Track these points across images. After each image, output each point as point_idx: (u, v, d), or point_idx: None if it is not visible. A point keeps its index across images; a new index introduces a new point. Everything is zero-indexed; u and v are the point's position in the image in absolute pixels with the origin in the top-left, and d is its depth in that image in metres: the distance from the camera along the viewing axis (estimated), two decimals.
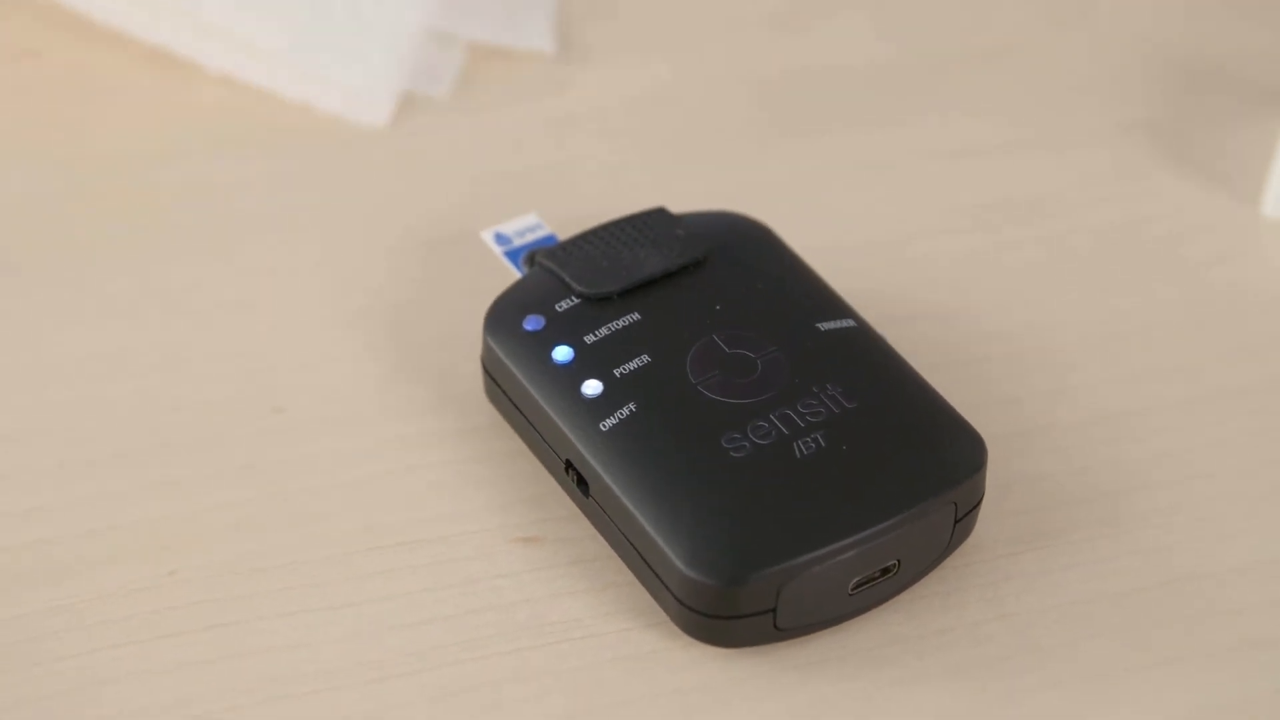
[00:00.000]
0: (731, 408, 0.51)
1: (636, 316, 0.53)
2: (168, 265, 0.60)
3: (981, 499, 0.51)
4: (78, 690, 0.49)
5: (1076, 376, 0.57)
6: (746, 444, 0.50)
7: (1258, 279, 0.60)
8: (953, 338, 0.57)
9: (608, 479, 0.50)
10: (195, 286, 0.59)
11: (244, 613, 0.50)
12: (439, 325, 0.57)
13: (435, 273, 0.59)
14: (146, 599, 0.51)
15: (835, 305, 0.54)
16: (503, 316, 0.53)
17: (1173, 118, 0.65)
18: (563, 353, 0.52)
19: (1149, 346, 0.58)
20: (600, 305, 0.53)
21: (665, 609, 0.50)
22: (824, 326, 0.53)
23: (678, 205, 0.58)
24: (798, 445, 0.50)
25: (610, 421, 0.51)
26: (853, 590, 0.49)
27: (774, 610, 0.48)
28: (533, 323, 0.53)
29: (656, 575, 0.49)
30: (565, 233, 0.57)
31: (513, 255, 0.57)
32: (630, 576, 0.51)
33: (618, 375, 0.51)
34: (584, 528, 0.52)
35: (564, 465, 0.51)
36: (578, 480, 0.51)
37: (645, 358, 0.52)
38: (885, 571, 0.50)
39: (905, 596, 0.51)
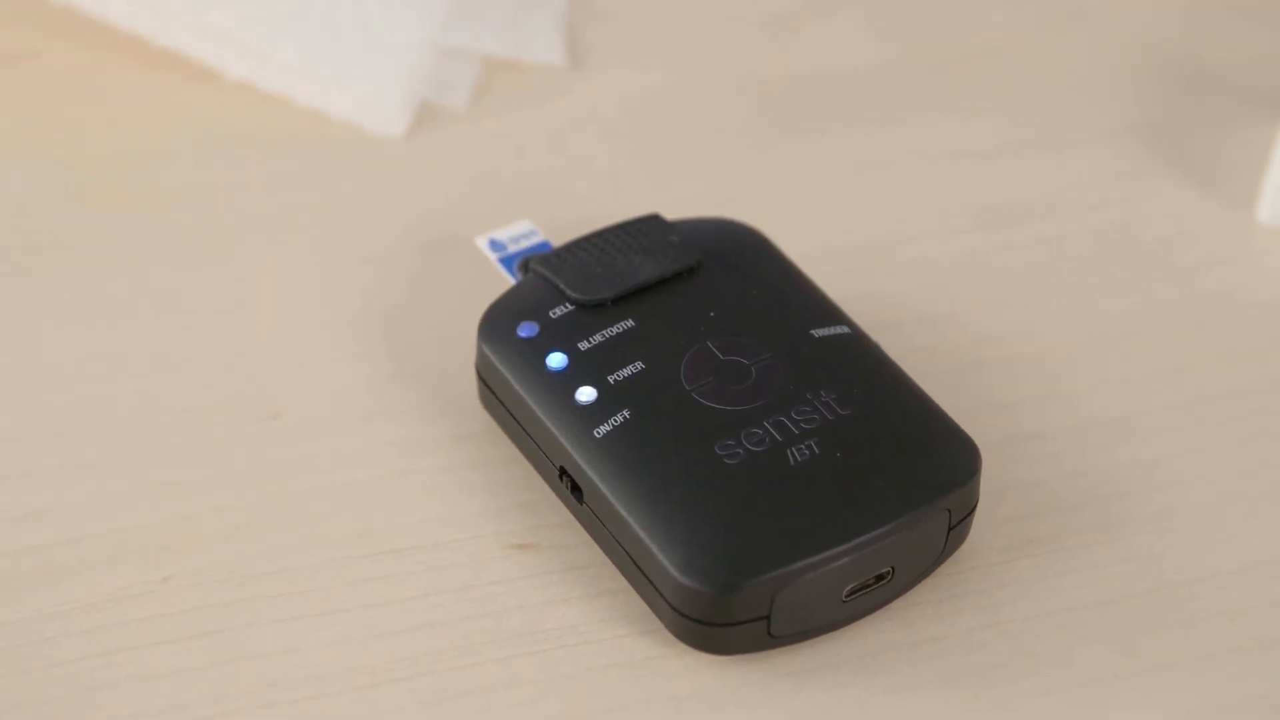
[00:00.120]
0: (725, 414, 0.51)
1: (631, 323, 0.53)
2: (166, 267, 0.60)
3: (975, 506, 0.51)
4: (73, 695, 0.49)
5: (1070, 381, 0.57)
6: (740, 451, 0.50)
7: (1251, 283, 0.60)
8: (946, 343, 0.57)
9: (601, 486, 0.50)
10: (193, 289, 0.59)
11: (238, 618, 0.50)
12: (434, 331, 0.57)
13: (430, 279, 0.59)
14: (142, 604, 0.51)
15: (829, 312, 0.54)
16: (497, 323, 0.53)
17: (1169, 120, 0.65)
18: (557, 359, 0.52)
19: (1143, 351, 0.58)
20: (594, 312, 0.53)
21: (659, 616, 0.50)
22: (818, 333, 0.53)
23: (673, 210, 0.58)
24: (792, 452, 0.50)
25: (604, 428, 0.51)
26: (847, 597, 0.49)
27: (768, 617, 0.48)
28: (527, 329, 0.53)
29: (650, 582, 0.49)
30: (560, 239, 0.57)
31: (507, 262, 0.57)
32: (624, 583, 0.51)
33: (612, 382, 0.51)
34: (578, 534, 0.52)
35: (558, 472, 0.51)
36: (572, 487, 0.51)
37: (639, 364, 0.52)
38: (879, 578, 0.50)
39: (899, 603, 0.51)
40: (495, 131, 0.65)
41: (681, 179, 0.63)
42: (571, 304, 0.53)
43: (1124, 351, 0.58)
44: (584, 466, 0.50)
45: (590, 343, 0.52)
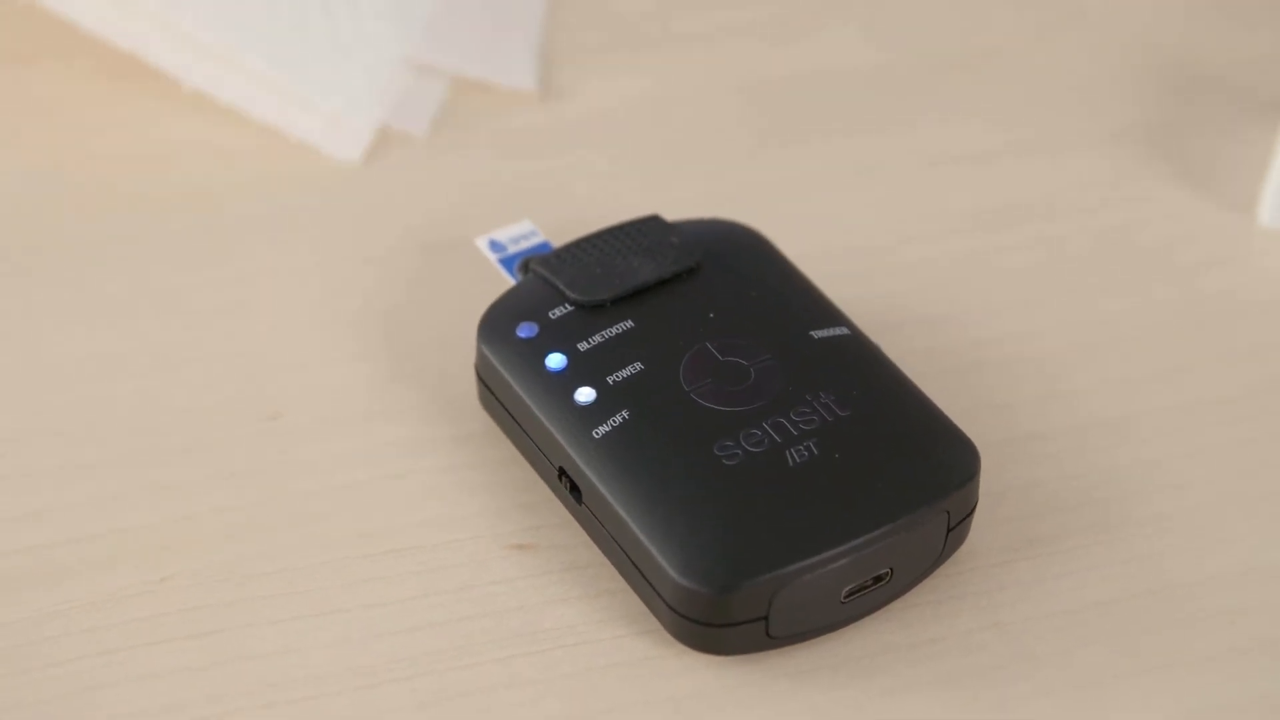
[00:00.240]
0: (724, 415, 0.51)
1: (630, 324, 0.53)
2: (166, 267, 0.60)
3: (975, 507, 0.51)
4: (73, 695, 0.49)
5: (1069, 383, 0.57)
6: (739, 452, 0.50)
7: (1251, 285, 0.60)
8: (945, 344, 0.57)
9: (600, 486, 0.50)
10: (193, 289, 0.59)
11: (237, 618, 0.50)
12: (433, 331, 0.58)
13: (430, 279, 0.59)
14: (141, 604, 0.51)
15: (829, 313, 0.54)
16: (496, 324, 0.53)
17: (1167, 123, 0.65)
18: (556, 360, 0.52)
19: (1143, 352, 0.58)
20: (594, 313, 0.53)
21: (658, 616, 0.50)
22: (817, 334, 0.53)
23: (673, 212, 0.58)
24: (790, 453, 0.50)
25: (603, 429, 0.51)
26: (845, 598, 0.49)
27: (766, 618, 0.48)
28: (526, 330, 0.53)
29: (649, 582, 0.49)
30: (560, 240, 0.57)
31: (507, 262, 0.57)
32: (623, 583, 0.51)
33: (611, 383, 0.51)
34: (577, 535, 0.52)
35: (557, 472, 0.51)
36: (570, 487, 0.51)
37: (638, 365, 0.52)
38: (878, 580, 0.50)
39: (898, 605, 0.51)
40: (496, 131, 0.65)
41: (682, 180, 0.63)
42: (571, 304, 0.53)
43: (1124, 353, 0.58)
44: (583, 467, 0.50)
45: (589, 343, 0.52)
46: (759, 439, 0.50)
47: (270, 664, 0.50)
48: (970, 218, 0.62)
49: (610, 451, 0.50)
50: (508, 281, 0.56)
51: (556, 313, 0.53)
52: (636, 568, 0.49)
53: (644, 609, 0.50)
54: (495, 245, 0.57)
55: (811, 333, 0.53)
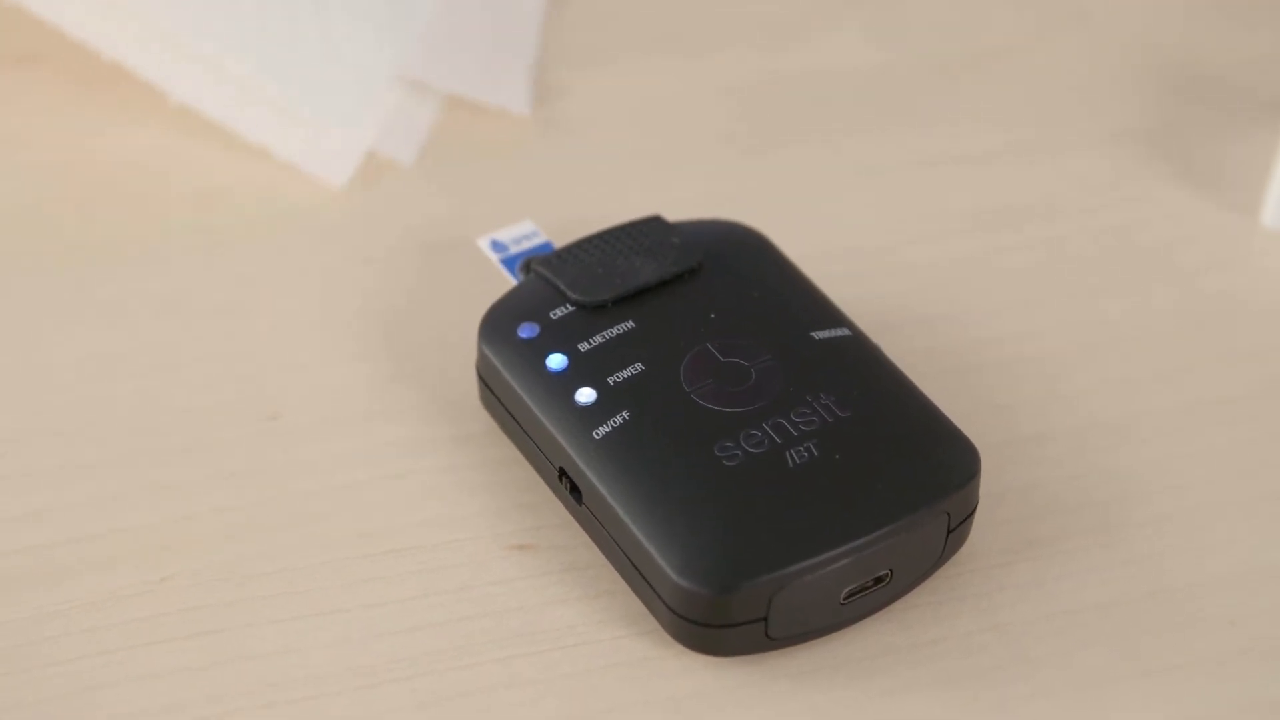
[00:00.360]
0: (725, 416, 0.51)
1: (631, 325, 0.53)
2: (165, 268, 0.60)
3: (975, 509, 0.51)
4: (72, 694, 0.49)
5: (1070, 384, 0.57)
6: (739, 452, 0.50)
7: (1251, 286, 0.60)
8: (946, 345, 0.57)
9: (600, 487, 0.50)
10: (192, 291, 0.59)
11: (237, 618, 0.50)
12: (435, 331, 0.58)
13: (431, 279, 0.59)
14: (141, 604, 0.51)
15: (830, 314, 0.54)
16: (497, 324, 0.53)
17: (1168, 124, 0.65)
18: (557, 360, 0.52)
19: (1143, 353, 0.58)
20: (594, 313, 0.53)
21: (657, 617, 0.50)
22: (818, 335, 0.53)
23: (675, 212, 0.58)
24: (790, 454, 0.50)
25: (603, 429, 0.51)
26: (845, 600, 0.49)
27: (765, 619, 0.48)
28: (527, 330, 0.53)
29: (648, 583, 0.49)
30: (562, 240, 0.57)
31: (509, 263, 0.57)
32: (623, 584, 0.51)
33: (611, 383, 0.51)
34: (577, 535, 0.52)
35: (557, 473, 0.51)
36: (571, 488, 0.51)
37: (639, 366, 0.52)
38: (878, 581, 0.50)
39: (898, 606, 0.51)
40: (499, 132, 0.65)
41: (684, 180, 0.63)
42: (572, 305, 0.53)
43: (1124, 354, 0.58)
44: (583, 467, 0.50)
45: (590, 344, 0.52)
46: (759, 440, 0.50)
47: (270, 664, 0.50)
48: (971, 218, 0.62)
49: (610, 452, 0.50)
50: (509, 282, 0.56)
51: (557, 313, 0.53)
52: (636, 568, 0.50)
53: (644, 610, 0.50)
54: (497, 245, 0.57)
55: (812, 333, 0.53)
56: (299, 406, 0.56)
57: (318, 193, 0.62)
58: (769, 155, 0.64)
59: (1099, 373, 0.57)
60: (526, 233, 0.58)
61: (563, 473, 0.51)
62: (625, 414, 0.51)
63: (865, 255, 0.60)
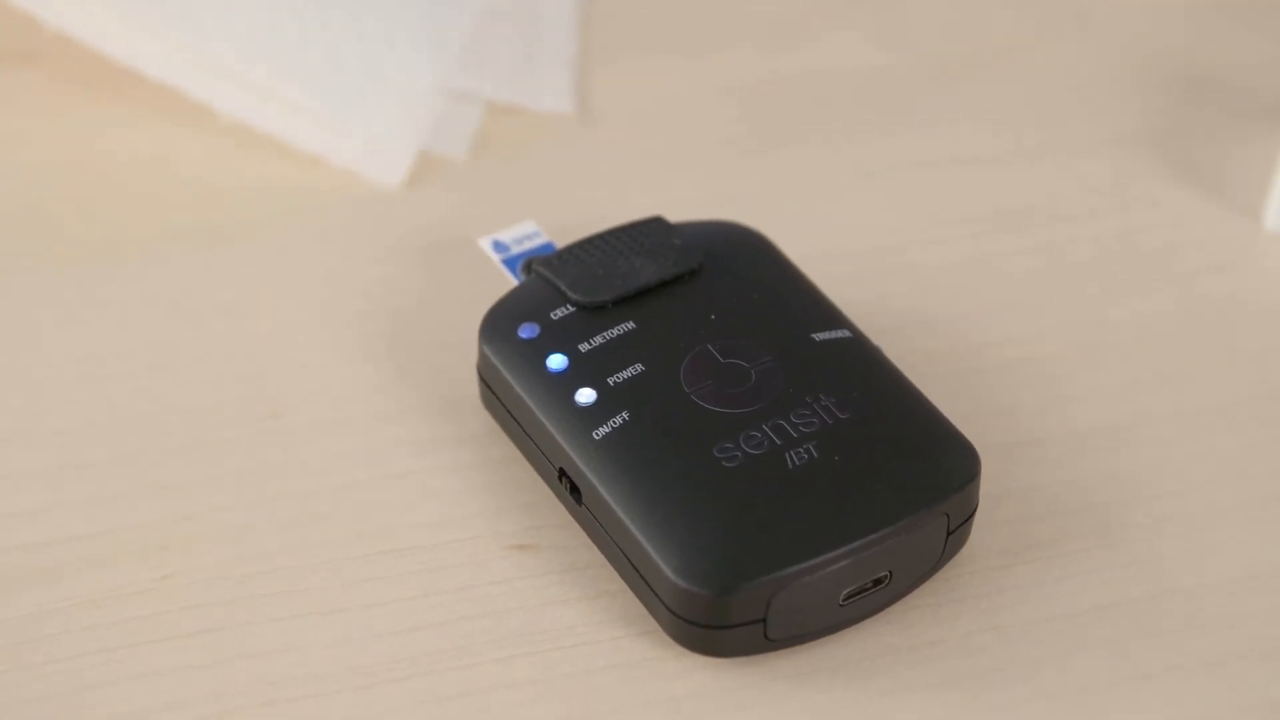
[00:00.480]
0: (724, 417, 0.51)
1: (631, 325, 0.53)
2: (166, 268, 0.60)
3: (975, 510, 0.51)
4: (73, 692, 0.49)
5: (1070, 387, 0.57)
6: (739, 454, 0.50)
7: (1254, 290, 0.60)
8: (947, 347, 0.57)
9: (600, 487, 0.50)
10: (193, 290, 0.59)
11: (237, 617, 0.51)
12: (437, 331, 0.58)
13: (433, 279, 0.59)
14: (142, 602, 0.51)
15: (830, 315, 0.54)
16: (498, 324, 0.53)
17: (1171, 127, 0.65)
18: (557, 361, 0.52)
19: (1145, 357, 0.58)
20: (595, 314, 0.53)
21: (656, 618, 0.50)
22: (819, 337, 0.53)
23: (676, 213, 0.58)
24: (790, 455, 0.50)
25: (603, 430, 0.51)
26: (844, 601, 0.49)
27: (764, 620, 0.48)
28: (528, 331, 0.53)
29: (648, 584, 0.49)
30: (563, 240, 0.57)
31: (511, 263, 0.57)
32: (623, 585, 0.51)
33: (611, 384, 0.52)
34: (577, 535, 0.52)
35: (557, 473, 0.52)
36: (570, 488, 0.51)
37: (639, 366, 0.52)
38: (877, 583, 0.50)
39: (897, 607, 0.51)
40: (501, 132, 0.65)
41: (685, 181, 0.63)
42: (572, 305, 0.53)
43: (1125, 357, 0.58)
44: (582, 468, 0.50)
45: (590, 344, 0.52)
46: (759, 441, 0.50)
47: (270, 663, 0.50)
48: (973, 221, 0.62)
49: (610, 452, 0.50)
50: (511, 282, 0.56)
51: (558, 313, 0.53)
52: (635, 569, 0.50)
53: (643, 610, 0.50)
54: (499, 245, 0.57)
55: (813, 335, 0.53)
56: (299, 406, 0.56)
57: (318, 193, 0.62)
58: (770, 156, 0.64)
59: (1099, 375, 0.57)
60: (528, 233, 0.58)
61: (562, 473, 0.51)
62: (625, 414, 0.51)
63: (866, 256, 0.60)
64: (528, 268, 0.56)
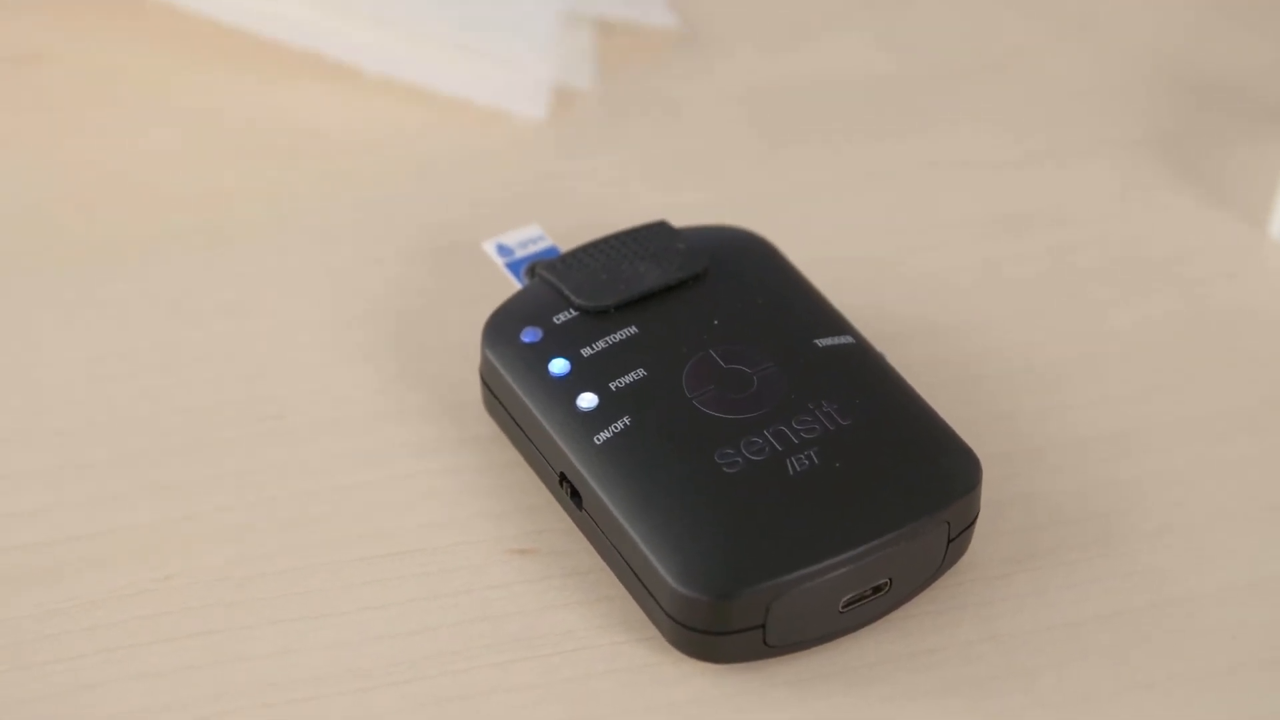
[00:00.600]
0: (726, 423, 0.51)
1: (634, 330, 0.53)
2: (168, 268, 0.60)
3: (976, 518, 0.51)
4: (72, 692, 0.49)
5: (1074, 394, 0.57)
6: (740, 459, 0.50)
7: (1259, 298, 0.60)
8: (950, 353, 0.57)
9: (600, 492, 0.50)
10: (195, 291, 0.59)
11: (238, 618, 0.51)
12: (440, 335, 0.58)
13: (437, 282, 0.59)
14: (142, 602, 0.51)
15: (834, 321, 0.54)
16: (500, 328, 0.53)
17: (1178, 133, 0.65)
18: (559, 365, 0.52)
19: (1148, 364, 0.58)
20: (597, 318, 0.53)
21: (656, 623, 0.50)
22: (822, 343, 0.53)
23: (681, 218, 0.58)
24: (791, 462, 0.50)
25: (604, 435, 0.51)
26: (844, 608, 0.49)
27: (763, 626, 0.48)
28: (530, 335, 0.53)
29: (647, 589, 0.49)
30: (568, 244, 0.57)
31: (514, 266, 0.57)
32: (623, 590, 0.51)
33: (613, 389, 0.51)
34: (578, 540, 0.52)
35: (558, 477, 0.52)
36: (571, 493, 0.51)
37: (641, 371, 0.52)
38: (877, 590, 0.49)
39: (897, 615, 0.51)
40: (505, 135, 0.65)
41: (690, 186, 0.63)
42: (575, 310, 0.53)
43: (1129, 364, 0.58)
44: (583, 472, 0.50)
45: (593, 349, 0.52)
46: (760, 447, 0.50)
47: (270, 664, 0.50)
48: (978, 226, 0.62)
49: (611, 457, 0.50)
50: (515, 286, 0.56)
51: (561, 318, 0.53)
52: (635, 574, 0.50)
53: (643, 616, 0.50)
54: (503, 249, 0.57)
55: (816, 341, 0.53)
56: (301, 407, 0.56)
57: (323, 194, 0.62)
58: (776, 161, 0.64)
59: (1103, 383, 0.57)
60: (532, 236, 0.58)
61: (563, 477, 0.51)
62: (626, 419, 0.51)
63: (871, 262, 0.60)
64: (531, 271, 0.56)
